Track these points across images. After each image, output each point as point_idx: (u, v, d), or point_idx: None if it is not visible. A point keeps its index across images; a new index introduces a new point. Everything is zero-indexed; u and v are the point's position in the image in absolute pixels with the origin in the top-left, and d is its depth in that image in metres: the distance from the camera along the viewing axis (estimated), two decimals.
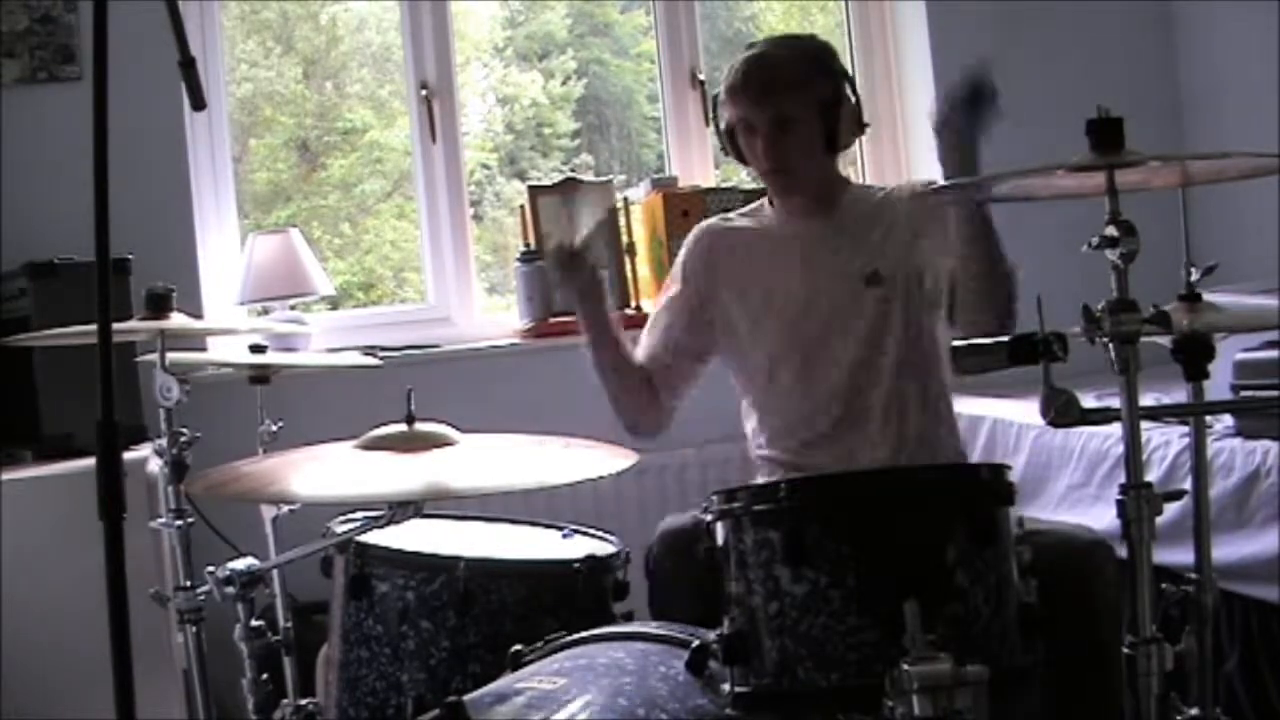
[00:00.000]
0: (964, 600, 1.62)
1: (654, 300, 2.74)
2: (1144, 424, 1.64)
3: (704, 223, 2.65)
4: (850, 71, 2.53)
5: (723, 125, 2.46)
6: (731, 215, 2.64)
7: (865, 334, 2.41)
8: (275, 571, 2.49)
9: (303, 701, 2.48)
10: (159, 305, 2.30)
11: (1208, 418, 2.13)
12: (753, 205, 2.62)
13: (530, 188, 3.94)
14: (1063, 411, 1.60)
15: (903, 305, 2.42)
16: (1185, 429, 2.15)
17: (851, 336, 2.41)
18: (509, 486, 1.99)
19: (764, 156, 2.40)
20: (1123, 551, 1.64)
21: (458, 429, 2.09)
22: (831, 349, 2.43)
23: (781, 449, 2.46)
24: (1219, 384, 2.47)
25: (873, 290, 2.41)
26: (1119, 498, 1.63)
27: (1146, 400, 1.69)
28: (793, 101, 2.37)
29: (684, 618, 2.09)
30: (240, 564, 2.15)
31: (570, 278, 2.45)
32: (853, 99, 2.44)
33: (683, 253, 2.62)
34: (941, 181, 2.23)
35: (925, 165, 4.11)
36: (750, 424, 2.56)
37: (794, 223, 2.50)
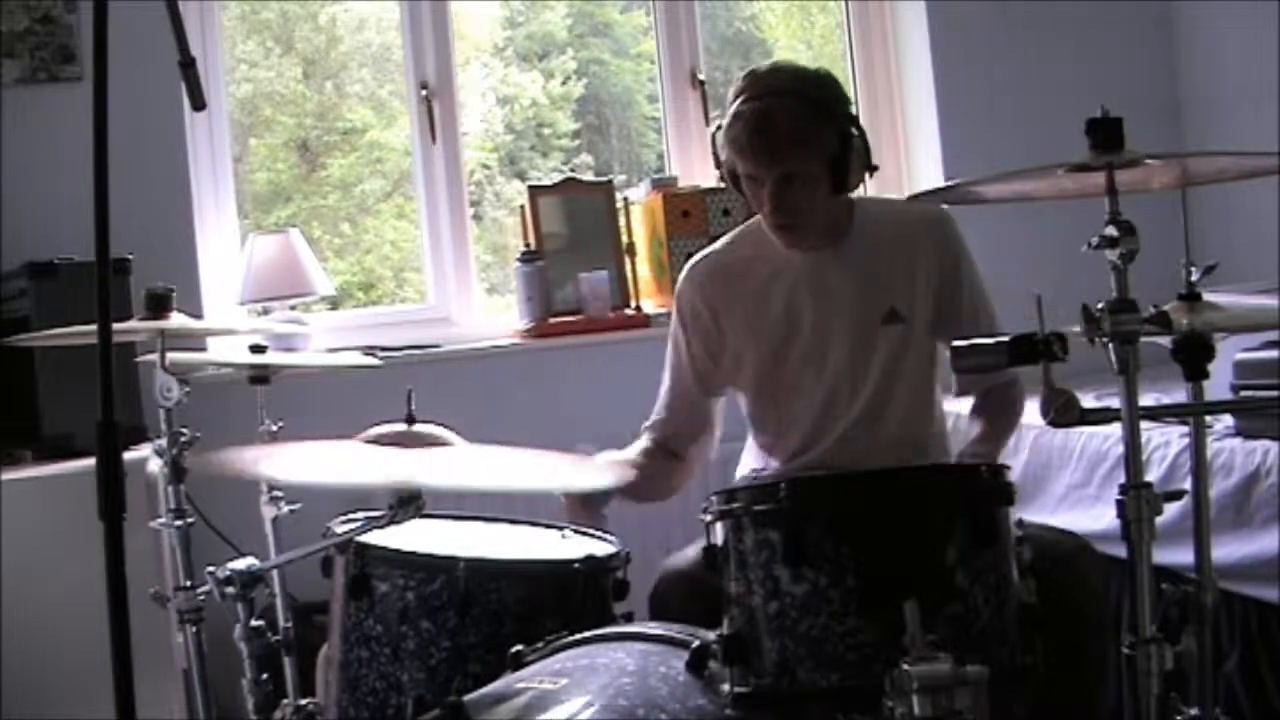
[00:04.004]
0: (964, 600, 1.62)
1: (659, 308, 2.69)
2: (1144, 424, 1.64)
3: (692, 260, 2.55)
4: (853, 100, 2.41)
5: (723, 159, 2.36)
6: (719, 245, 2.54)
7: (881, 370, 2.37)
8: (275, 571, 2.49)
9: (303, 701, 2.49)
10: (159, 305, 2.30)
11: (1208, 418, 2.13)
12: (745, 227, 2.51)
13: (530, 188, 3.94)
14: (1063, 411, 1.60)
15: (921, 340, 2.39)
16: (1185, 429, 2.15)
17: (867, 373, 2.37)
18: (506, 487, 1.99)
19: (771, 212, 2.32)
20: (1122, 552, 1.64)
21: (458, 429, 2.09)
22: (845, 382, 2.39)
23: (785, 471, 2.44)
24: (1219, 384, 2.47)
25: (890, 328, 2.37)
26: (1119, 498, 1.63)
27: (1146, 400, 1.69)
28: (798, 160, 2.27)
29: None
30: (240, 564, 2.15)
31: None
32: (860, 140, 2.31)
33: (676, 299, 2.53)
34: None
35: (925, 166, 4.12)
36: (751, 443, 2.55)
37: (799, 253, 2.41)
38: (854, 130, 2.30)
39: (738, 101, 2.31)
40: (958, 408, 2.54)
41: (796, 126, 2.26)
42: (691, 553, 2.34)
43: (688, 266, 2.54)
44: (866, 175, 2.37)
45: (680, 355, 2.52)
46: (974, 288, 2.43)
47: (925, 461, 2.36)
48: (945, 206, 2.50)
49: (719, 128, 2.35)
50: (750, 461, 2.53)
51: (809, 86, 2.31)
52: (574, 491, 2.31)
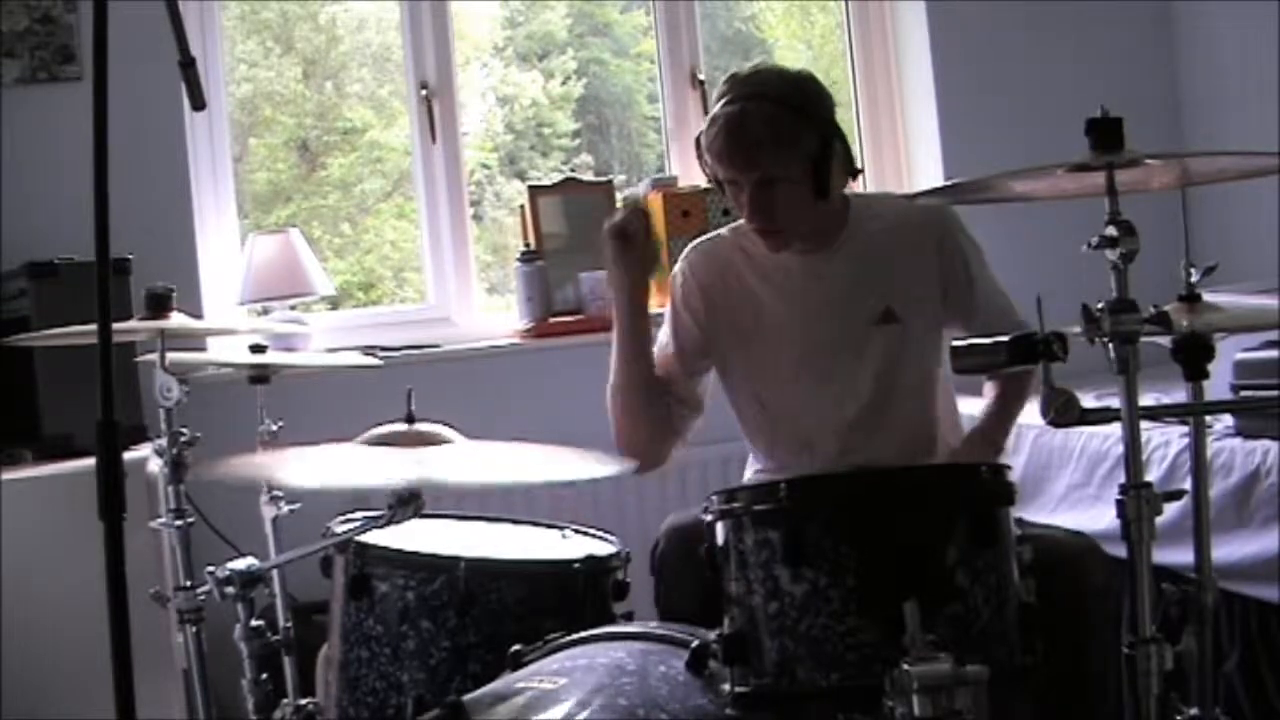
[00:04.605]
0: (964, 600, 1.62)
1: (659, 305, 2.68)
2: (1144, 424, 1.64)
3: (693, 244, 2.54)
4: (839, 104, 2.38)
5: (708, 168, 2.35)
6: (724, 231, 2.53)
7: (878, 372, 2.36)
8: (275, 571, 2.49)
9: (303, 701, 2.49)
10: (159, 305, 2.30)
11: (1208, 418, 2.13)
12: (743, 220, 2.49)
13: (530, 188, 3.94)
14: (1063, 411, 1.60)
15: (918, 340, 2.38)
16: (1185, 429, 2.15)
17: (862, 374, 2.36)
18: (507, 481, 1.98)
19: (751, 216, 2.32)
20: (1122, 551, 1.64)
21: (458, 429, 2.09)
22: (840, 384, 2.38)
23: (786, 473, 2.43)
24: (1219, 384, 2.47)
25: (885, 329, 2.35)
26: (1119, 498, 1.63)
27: (1146, 400, 1.69)
28: (774, 164, 2.26)
29: (689, 615, 2.09)
30: (240, 564, 2.15)
31: (636, 248, 2.32)
32: (841, 145, 2.30)
33: (674, 275, 2.53)
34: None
35: (925, 166, 4.12)
36: (750, 447, 2.54)
37: (791, 255, 2.40)
38: (835, 133, 2.30)
39: (717, 106, 2.31)
40: (970, 409, 2.53)
41: (772, 129, 2.25)
42: (694, 511, 2.33)
43: (688, 248, 2.54)
44: (850, 180, 2.37)
45: (668, 331, 2.51)
46: (986, 285, 2.41)
47: (928, 460, 2.36)
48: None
49: (701, 134, 2.34)
50: (756, 463, 2.53)
51: (787, 89, 2.30)
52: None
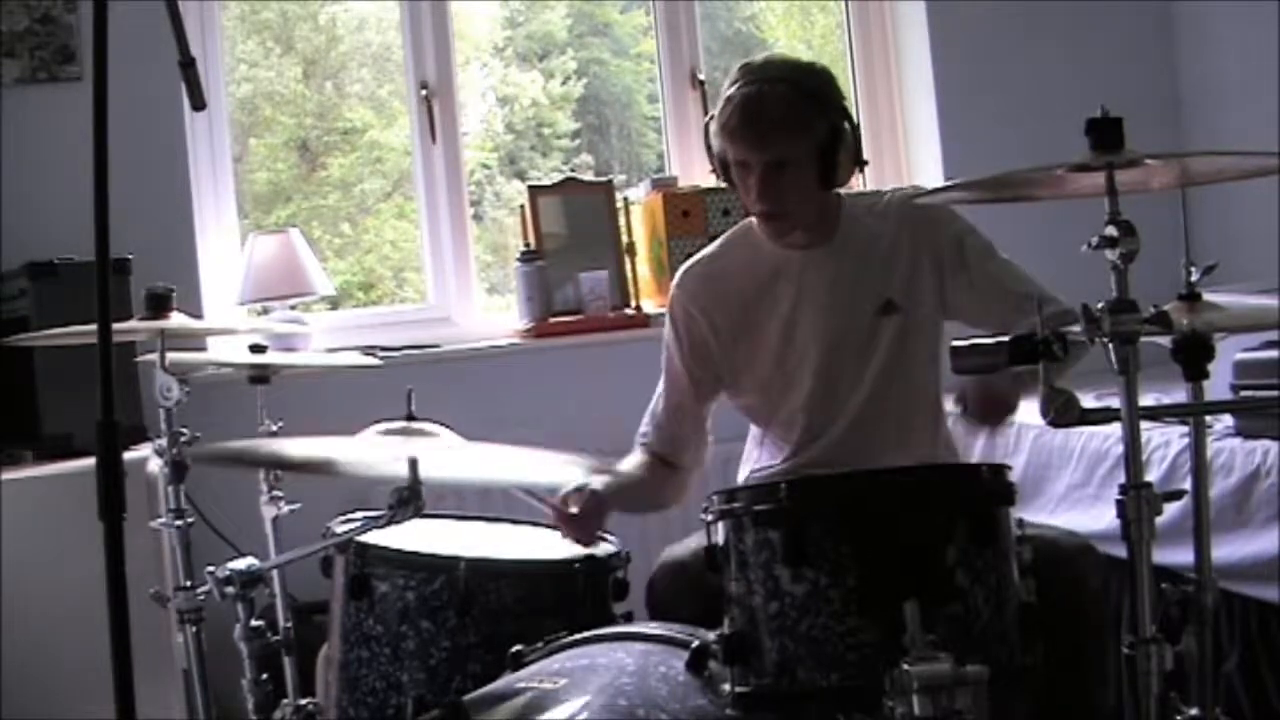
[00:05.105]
0: (964, 600, 1.62)
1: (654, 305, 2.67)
2: (1144, 424, 1.64)
3: (683, 268, 2.52)
4: (848, 98, 2.39)
5: (715, 152, 2.36)
6: (711, 250, 2.52)
7: (883, 363, 2.36)
8: (275, 571, 2.49)
9: (303, 701, 2.49)
10: (159, 305, 2.30)
11: (1208, 418, 2.13)
12: (735, 231, 2.50)
13: (530, 188, 3.95)
14: (1063, 411, 1.60)
15: (919, 329, 2.37)
16: (1185, 429, 2.15)
17: (868, 368, 2.36)
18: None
19: (758, 199, 2.31)
20: (1122, 551, 1.64)
21: (457, 429, 2.09)
22: (846, 375, 2.37)
23: (786, 472, 2.43)
24: (1219, 384, 2.47)
25: (888, 319, 2.35)
26: (1119, 498, 1.63)
27: (1146, 400, 1.69)
28: (787, 146, 2.27)
29: None
30: (240, 564, 2.15)
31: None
32: (851, 135, 2.32)
33: (670, 306, 2.52)
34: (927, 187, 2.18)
35: (925, 166, 4.12)
36: (752, 441, 2.55)
37: (788, 251, 2.41)
38: (845, 123, 2.31)
39: (730, 89, 2.32)
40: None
41: (787, 112, 2.26)
42: (690, 544, 2.33)
43: (679, 273, 2.53)
44: (856, 170, 2.38)
45: (674, 363, 2.50)
46: (991, 266, 2.39)
47: (931, 454, 2.36)
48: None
49: (711, 118, 2.35)
50: (753, 460, 2.53)
51: (801, 75, 2.32)
52: (568, 509, 2.26)
